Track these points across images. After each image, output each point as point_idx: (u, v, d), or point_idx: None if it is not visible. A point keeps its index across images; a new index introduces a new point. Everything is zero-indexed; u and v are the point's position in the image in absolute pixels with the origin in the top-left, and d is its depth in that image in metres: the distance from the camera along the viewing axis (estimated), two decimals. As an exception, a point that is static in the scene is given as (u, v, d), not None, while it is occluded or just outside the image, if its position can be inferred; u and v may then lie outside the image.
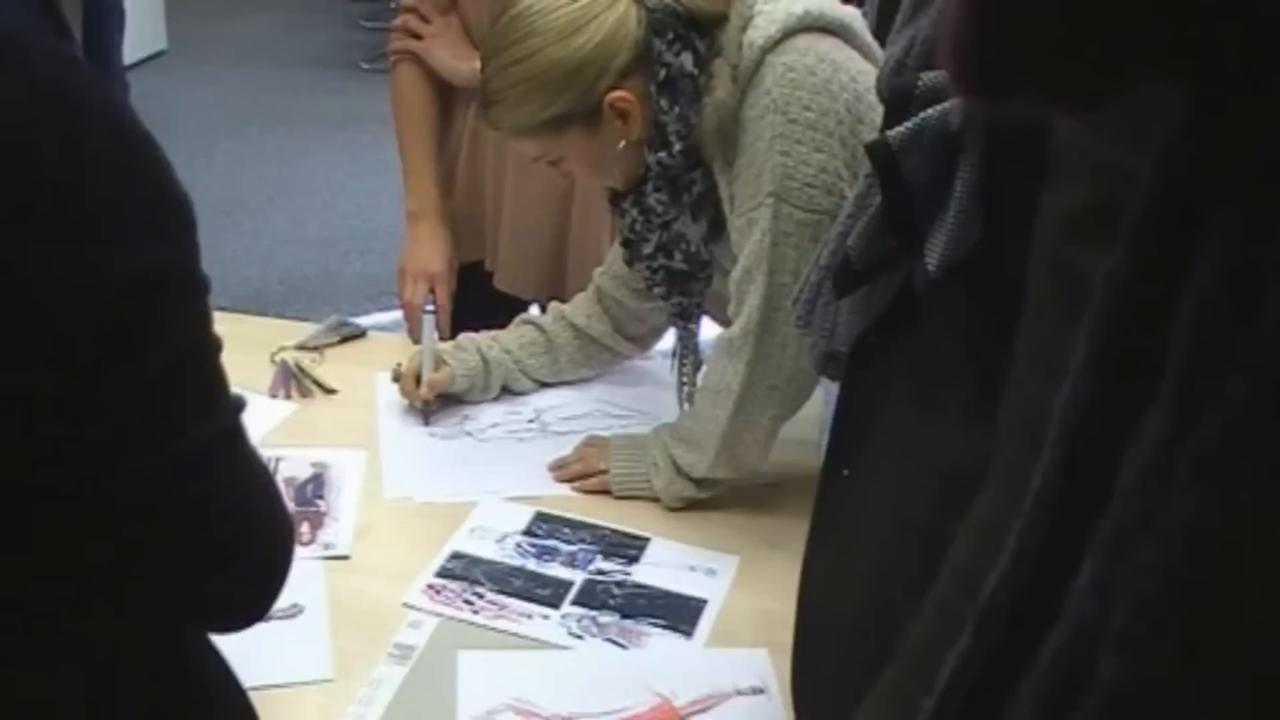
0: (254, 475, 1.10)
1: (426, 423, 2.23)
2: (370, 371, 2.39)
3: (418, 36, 2.45)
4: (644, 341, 2.32)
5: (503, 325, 2.34)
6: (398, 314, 2.57)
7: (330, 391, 2.33)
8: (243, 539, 1.08)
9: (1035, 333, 0.96)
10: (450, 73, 2.40)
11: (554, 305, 2.30)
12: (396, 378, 2.26)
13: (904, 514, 1.30)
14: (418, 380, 2.21)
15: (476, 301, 2.52)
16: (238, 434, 1.06)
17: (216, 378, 1.04)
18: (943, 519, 1.17)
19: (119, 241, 0.92)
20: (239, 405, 1.07)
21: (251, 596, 1.14)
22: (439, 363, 2.22)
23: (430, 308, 2.31)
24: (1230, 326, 0.51)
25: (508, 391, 2.29)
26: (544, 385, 2.31)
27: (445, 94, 2.46)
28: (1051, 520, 0.61)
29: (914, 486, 1.28)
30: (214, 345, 1.03)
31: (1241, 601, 0.50)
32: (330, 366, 2.40)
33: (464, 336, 2.29)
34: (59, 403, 0.92)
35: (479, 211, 2.54)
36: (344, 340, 2.50)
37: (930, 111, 1.18)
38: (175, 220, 0.98)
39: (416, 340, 2.48)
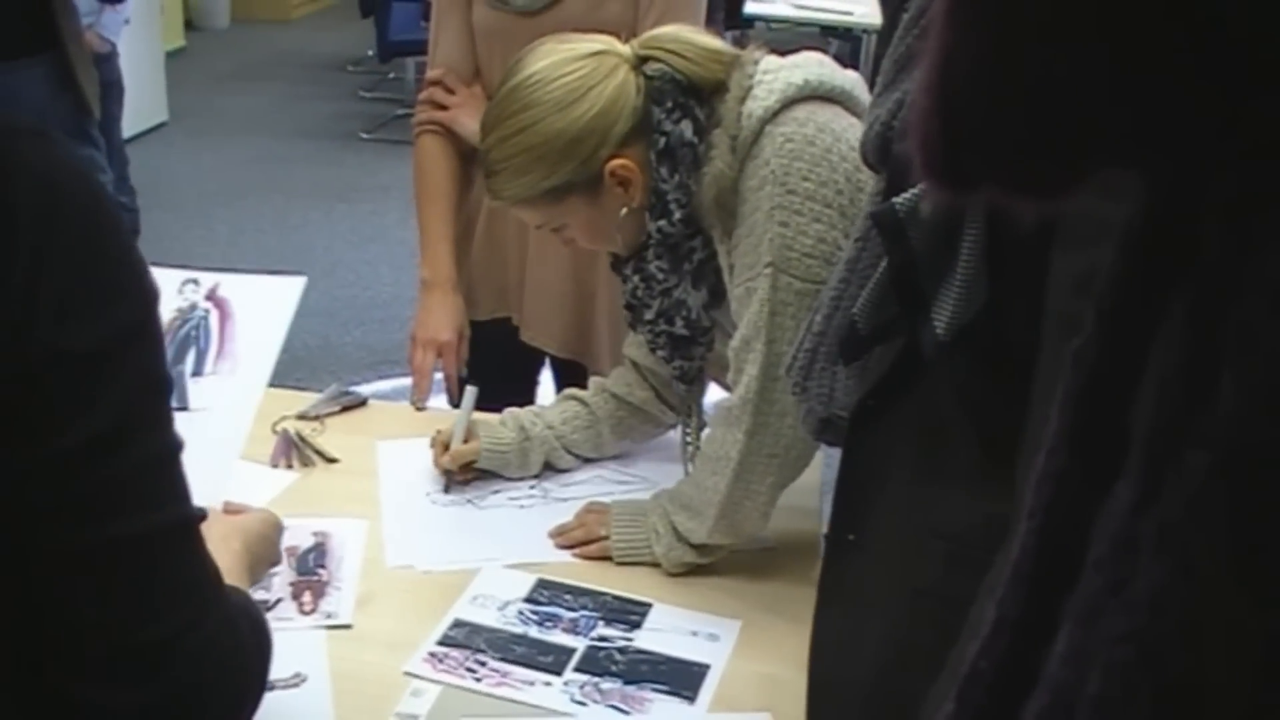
0: (197, 585, 1.05)
1: (447, 490, 2.24)
2: (371, 440, 2.40)
3: (442, 107, 2.50)
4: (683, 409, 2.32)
5: (530, 379, 2.34)
6: (399, 382, 2.60)
7: (331, 460, 2.34)
8: (168, 650, 1.02)
9: (1049, 392, 0.97)
10: (476, 138, 2.45)
11: (594, 379, 2.32)
12: (433, 445, 2.28)
13: (913, 579, 1.30)
14: (448, 448, 2.22)
15: (503, 356, 2.59)
16: (186, 538, 1.04)
17: (169, 471, 1.02)
18: (952, 583, 1.18)
19: (50, 315, 0.92)
20: (198, 514, 1.05)
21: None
22: (471, 435, 2.24)
23: (464, 382, 2.34)
24: (1190, 403, 0.53)
25: (550, 468, 2.29)
26: (586, 461, 2.31)
27: (467, 157, 2.50)
28: (1029, 589, 0.62)
29: (921, 551, 1.29)
30: (168, 438, 1.02)
31: (1205, 666, 0.52)
32: (331, 435, 2.41)
33: (508, 412, 2.30)
34: None
35: (502, 267, 2.60)
36: (345, 409, 2.51)
37: None
38: (128, 291, 0.98)
39: (420, 407, 2.51)
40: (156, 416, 1.00)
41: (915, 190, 1.20)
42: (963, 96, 0.52)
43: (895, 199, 1.21)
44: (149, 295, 1.00)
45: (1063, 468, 0.61)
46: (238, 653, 1.10)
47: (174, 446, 1.02)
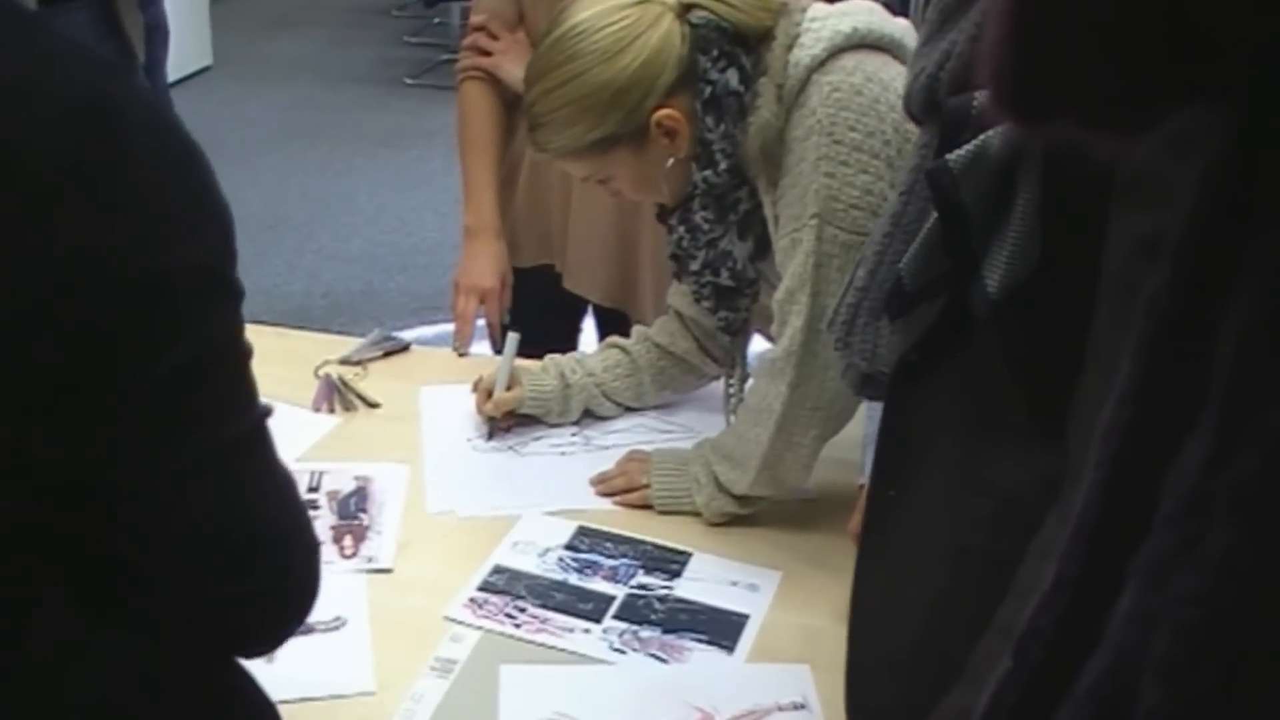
0: (273, 483, 1.10)
1: (490, 438, 2.25)
2: (413, 385, 2.40)
3: (486, 53, 2.49)
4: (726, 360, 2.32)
5: (573, 326, 2.35)
6: (441, 328, 2.61)
7: (373, 405, 2.34)
8: (259, 545, 1.08)
9: (1104, 353, 0.95)
10: (520, 85, 2.44)
11: (638, 328, 2.32)
12: (475, 390, 2.28)
13: (958, 538, 1.29)
14: (490, 395, 2.23)
15: (546, 304, 2.59)
16: (259, 439, 1.08)
17: (242, 382, 1.06)
18: (998, 542, 1.17)
19: (153, 236, 0.95)
20: (265, 412, 1.08)
21: (270, 611, 1.13)
22: (514, 382, 2.24)
23: (506, 328, 2.34)
24: (1272, 356, 0.50)
25: (590, 415, 2.29)
26: (628, 410, 2.31)
27: (511, 103, 2.50)
28: (1092, 546, 0.60)
29: (967, 510, 1.27)
30: (242, 350, 1.05)
31: (1278, 631, 0.50)
32: (373, 381, 2.41)
33: (549, 358, 2.31)
34: (73, 387, 0.94)
35: (545, 216, 2.60)
36: (387, 355, 2.52)
37: (990, 133, 1.17)
38: (213, 224, 1.01)
39: (462, 353, 2.52)
40: (235, 330, 1.04)
41: (972, 146, 1.17)
42: (1040, 21, 0.50)
43: (949, 155, 1.19)
44: (229, 217, 1.03)
45: (1132, 420, 0.58)
46: (312, 552, 1.15)
47: (246, 354, 1.06)
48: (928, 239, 1.25)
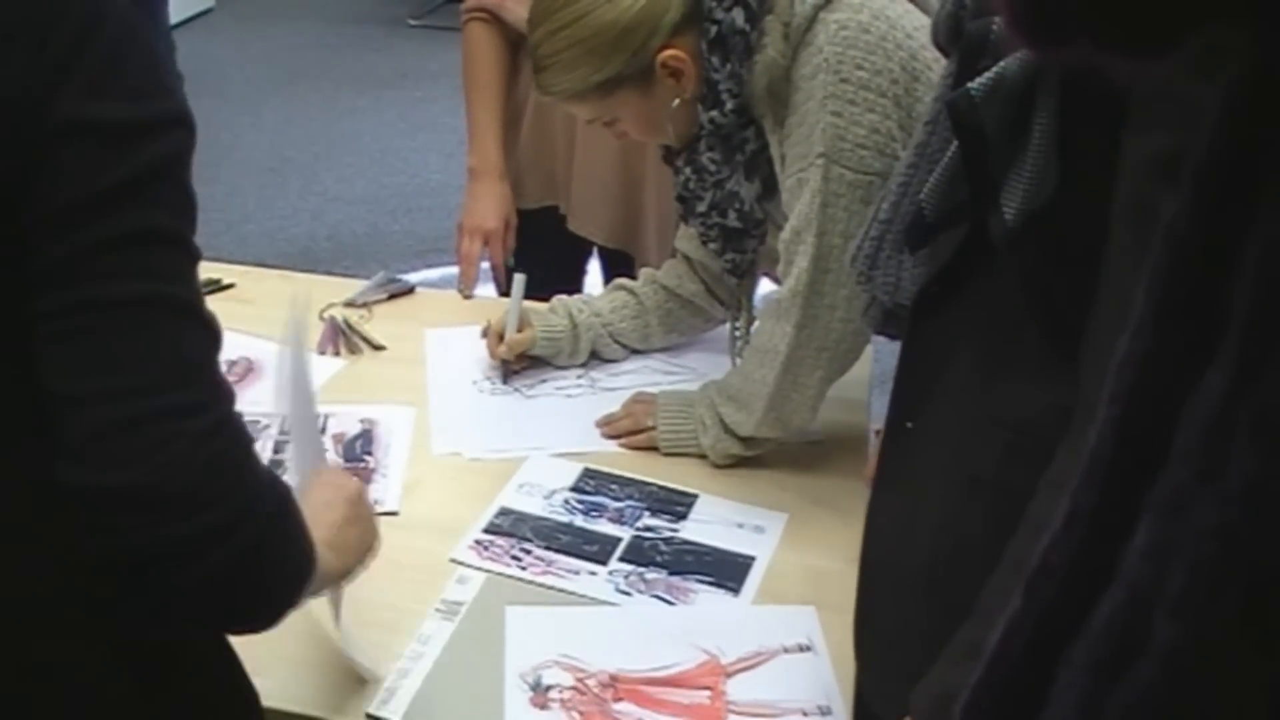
0: (196, 366, 1.02)
1: (505, 381, 2.25)
2: (419, 328, 2.40)
3: None
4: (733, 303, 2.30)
5: (577, 269, 2.34)
6: (446, 270, 2.61)
7: (379, 348, 2.35)
8: (158, 425, 0.98)
9: (1117, 279, 0.95)
10: (525, 25, 2.42)
11: (645, 271, 2.31)
12: (484, 333, 2.28)
13: (970, 467, 1.29)
14: (502, 338, 2.23)
15: (551, 245, 2.58)
16: (187, 318, 1.02)
17: (173, 257, 1.02)
18: (1009, 472, 1.18)
19: (79, 89, 0.97)
20: (209, 315, 1.04)
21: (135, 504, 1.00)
22: (524, 323, 2.24)
23: (510, 270, 2.34)
24: None
25: (596, 357, 2.30)
26: (634, 352, 2.31)
27: (515, 44, 2.49)
28: (1106, 480, 0.59)
29: (980, 440, 1.28)
30: (177, 229, 1.03)
31: None
32: (378, 323, 2.41)
33: (557, 299, 2.31)
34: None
35: (550, 157, 2.59)
36: (392, 297, 2.52)
37: (1009, 60, 1.16)
38: (150, 105, 1.02)
39: (467, 295, 2.52)
40: (171, 206, 1.02)
41: (991, 74, 1.17)
42: None
43: (970, 84, 1.18)
44: (179, 110, 1.03)
45: (1149, 350, 0.57)
46: (241, 469, 1.04)
47: (192, 250, 1.03)
48: (948, 167, 1.25)
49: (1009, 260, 1.21)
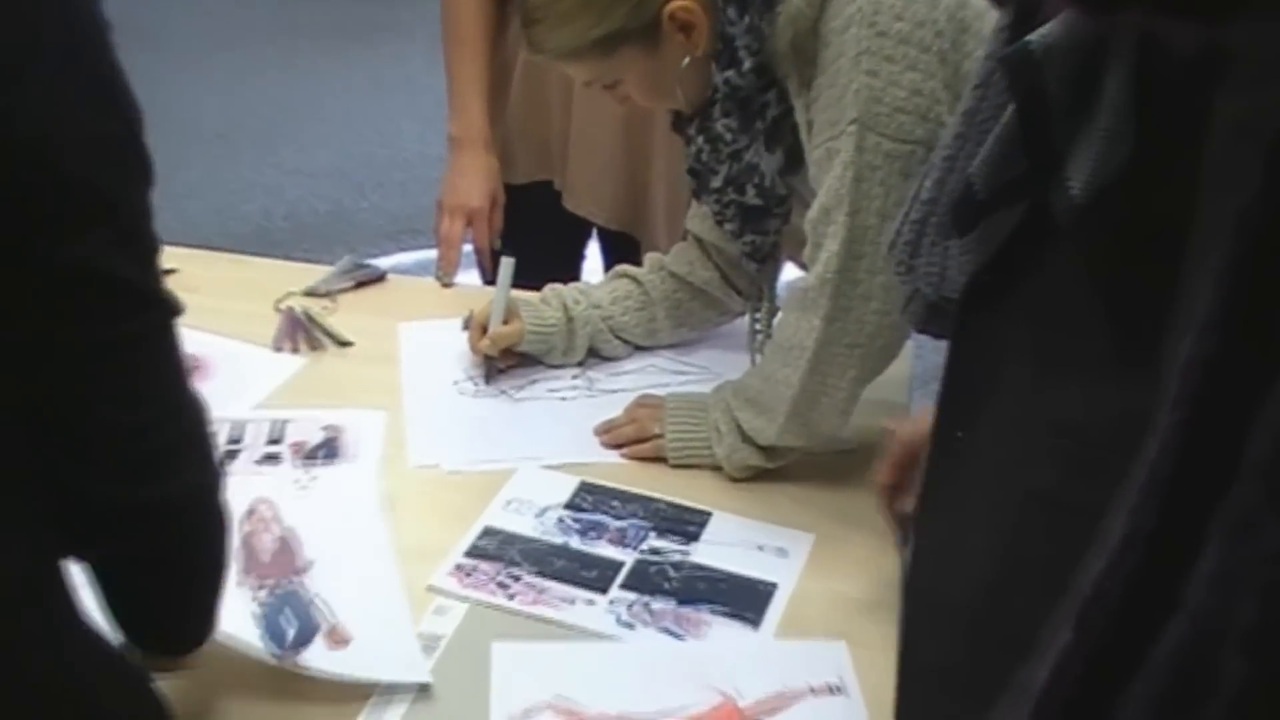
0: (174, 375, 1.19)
1: (489, 382, 2.26)
2: (391, 321, 2.41)
3: None
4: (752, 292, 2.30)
5: (575, 253, 2.37)
6: (422, 254, 2.62)
7: (345, 344, 2.36)
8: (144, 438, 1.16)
9: (1204, 264, 0.94)
10: None
11: (651, 256, 2.32)
12: (466, 326, 2.29)
13: (1027, 480, 1.28)
14: (486, 332, 2.24)
15: (546, 227, 2.59)
16: (158, 340, 1.17)
17: (145, 277, 1.14)
18: (1074, 487, 1.15)
19: (38, 105, 1.02)
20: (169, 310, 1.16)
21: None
22: (512, 315, 2.24)
23: (498, 254, 2.33)
24: None
25: (595, 355, 2.30)
26: (638, 349, 2.32)
27: None
28: (1167, 497, 0.59)
29: (1038, 449, 1.27)
30: (149, 242, 1.14)
31: None
32: (344, 315, 2.42)
33: (550, 288, 2.31)
34: None
35: (543, 126, 2.60)
36: (360, 285, 2.53)
37: None
38: (112, 122, 1.09)
39: (447, 283, 2.53)
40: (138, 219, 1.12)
41: (1053, 23, 1.16)
42: None
43: (1030, 36, 1.18)
44: (136, 115, 1.11)
45: (1217, 352, 0.57)
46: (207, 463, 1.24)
47: (153, 246, 1.14)
48: (1003, 136, 1.23)
49: (1074, 243, 1.20)
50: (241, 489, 1.83)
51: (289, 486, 1.95)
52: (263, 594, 1.71)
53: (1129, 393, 1.06)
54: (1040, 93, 1.17)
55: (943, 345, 1.41)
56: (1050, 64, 1.16)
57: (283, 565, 1.77)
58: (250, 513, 1.85)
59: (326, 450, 2.07)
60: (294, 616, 1.67)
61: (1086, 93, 1.15)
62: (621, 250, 2.57)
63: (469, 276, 2.59)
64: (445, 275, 2.54)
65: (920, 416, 1.60)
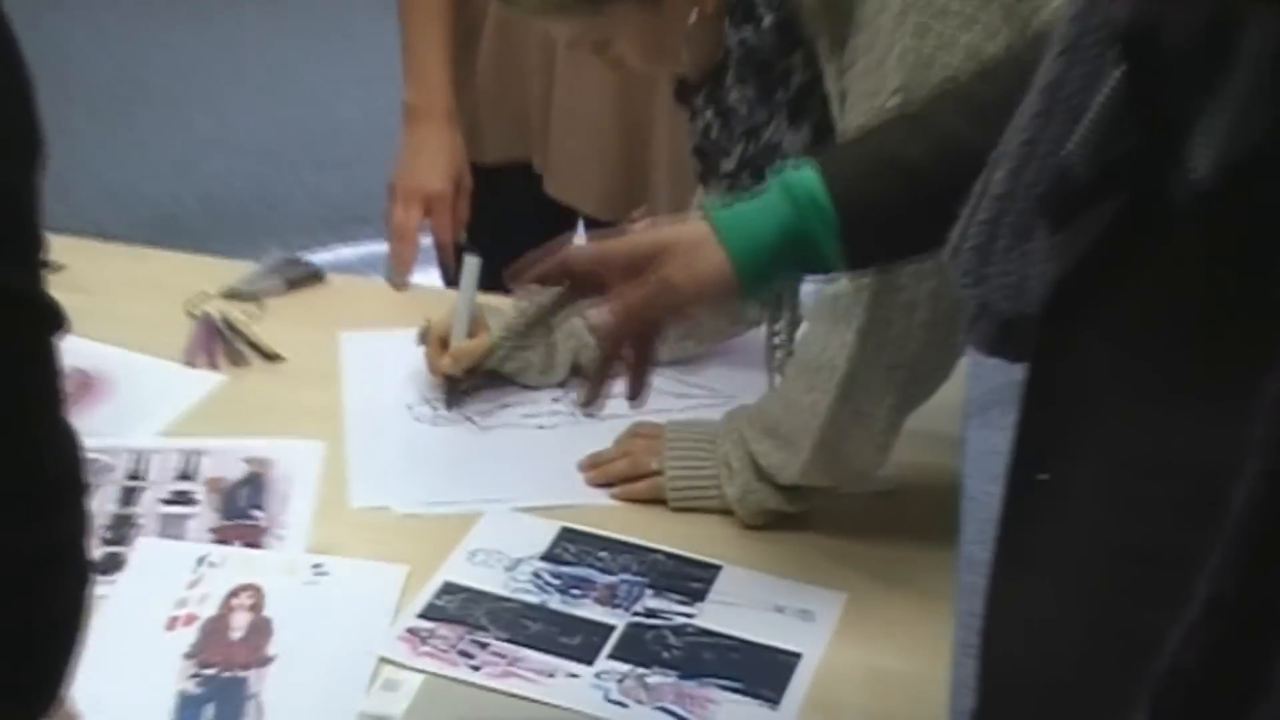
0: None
1: (451, 406, 2.27)
2: (330, 330, 2.43)
3: None
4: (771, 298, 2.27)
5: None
6: (369, 248, 2.63)
7: (273, 358, 2.37)
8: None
9: None
10: None
11: None
12: (423, 339, 2.30)
13: (1130, 534, 1.25)
14: (447, 345, 2.24)
15: (521, 218, 2.58)
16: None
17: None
18: (1181, 542, 1.11)
19: None
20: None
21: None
22: (479, 325, 2.26)
23: (463, 250, 2.34)
24: None
25: (580, 374, 2.30)
26: None
27: None
28: (1255, 558, 0.60)
29: (1145, 496, 1.23)
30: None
31: None
32: (273, 323, 2.44)
33: (526, 292, 2.27)
34: None
35: (519, 94, 2.61)
36: (293, 286, 2.55)
37: None
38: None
39: (400, 285, 2.55)
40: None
41: None
42: None
43: None
44: (21, 77, 1.11)
45: None
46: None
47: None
48: (1108, 106, 1.16)
49: (1192, 240, 1.18)
50: (236, 568, 1.93)
51: (286, 577, 1.95)
52: (207, 673, 1.76)
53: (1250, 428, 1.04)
54: (1155, 52, 1.15)
55: (1005, 365, 1.40)
56: (1167, 18, 1.14)
57: (249, 649, 1.81)
58: (232, 595, 1.89)
59: (250, 490, 2.09)
60: (215, 715, 1.71)
61: (1216, 51, 1.12)
62: None
63: (427, 277, 2.59)
64: (398, 275, 2.55)
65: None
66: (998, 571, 1.42)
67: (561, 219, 2.69)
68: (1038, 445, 1.36)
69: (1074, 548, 1.30)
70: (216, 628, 1.83)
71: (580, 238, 2.71)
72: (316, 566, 1.95)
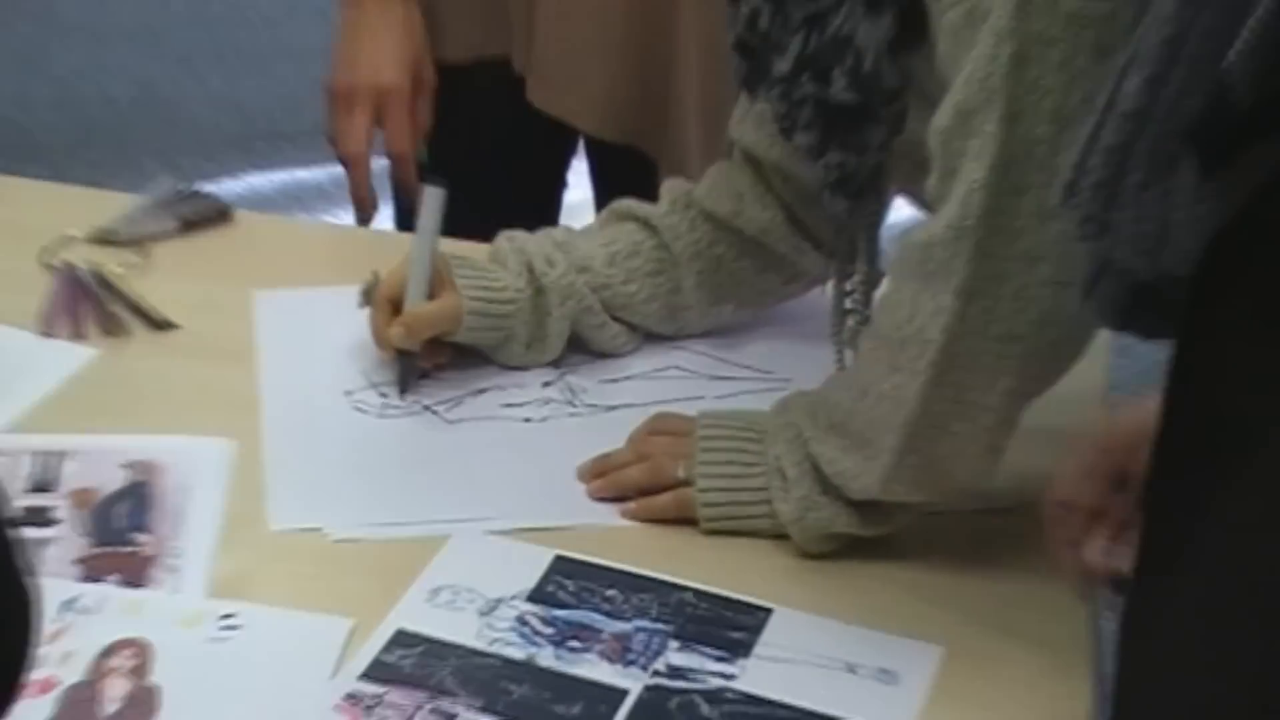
0: None
1: (403, 394, 2.28)
2: (240, 288, 2.44)
3: None
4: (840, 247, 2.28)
5: (550, 177, 2.43)
6: (294, 175, 2.60)
7: (162, 326, 2.38)
8: None
9: None
10: None
11: (673, 185, 2.34)
12: (367, 299, 2.29)
13: None
14: (399, 310, 2.24)
15: (500, 135, 2.63)
16: None
17: None
18: None
19: None
20: None
21: None
22: (443, 283, 2.25)
23: (424, 174, 2.36)
24: None
25: (579, 348, 2.33)
26: (650, 339, 2.35)
27: None
28: None
29: None
30: None
31: None
32: (161, 277, 2.46)
33: (507, 237, 2.32)
34: None
35: None
36: (188, 227, 2.56)
37: None
38: None
39: (367, 217, 2.55)
40: None
41: None
42: None
43: None
44: None
45: None
46: None
47: None
48: (1271, 15, 1.20)
49: None
50: (113, 616, 1.92)
51: (182, 629, 1.94)
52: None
53: None
54: None
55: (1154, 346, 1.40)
56: None
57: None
58: (107, 654, 1.87)
59: (131, 506, 2.09)
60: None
61: None
62: (625, 176, 2.57)
63: (384, 220, 2.60)
64: (364, 210, 2.58)
65: (1145, 402, 1.54)
66: (1128, 631, 1.43)
67: (550, 139, 2.72)
68: (1175, 463, 1.37)
69: (1238, 594, 1.31)
70: (82, 699, 1.82)
71: (580, 164, 2.72)
72: (225, 617, 1.93)
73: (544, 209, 2.71)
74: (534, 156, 2.68)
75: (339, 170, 2.57)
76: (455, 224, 2.25)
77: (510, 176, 2.55)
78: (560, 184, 2.79)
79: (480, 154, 2.49)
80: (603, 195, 2.64)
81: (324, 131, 2.58)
